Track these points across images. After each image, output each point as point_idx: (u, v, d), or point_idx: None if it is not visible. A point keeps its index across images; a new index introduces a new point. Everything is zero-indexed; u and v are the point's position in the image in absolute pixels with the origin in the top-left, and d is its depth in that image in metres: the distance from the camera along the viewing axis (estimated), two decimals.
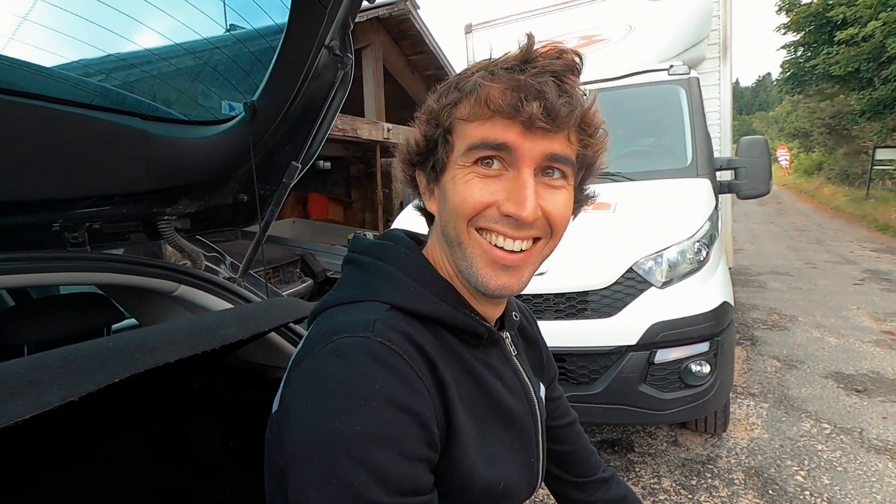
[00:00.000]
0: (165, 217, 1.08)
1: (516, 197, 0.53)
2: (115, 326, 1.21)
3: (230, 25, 1.20)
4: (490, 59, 0.57)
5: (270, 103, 1.04)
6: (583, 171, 0.60)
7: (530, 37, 0.55)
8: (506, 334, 0.67)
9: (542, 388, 0.75)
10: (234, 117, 1.09)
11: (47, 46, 0.97)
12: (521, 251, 0.55)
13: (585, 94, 0.56)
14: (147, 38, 1.10)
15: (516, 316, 0.70)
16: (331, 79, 1.09)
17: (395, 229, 0.67)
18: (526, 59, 0.53)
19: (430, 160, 0.59)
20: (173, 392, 1.03)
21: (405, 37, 8.21)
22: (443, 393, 0.53)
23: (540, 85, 0.51)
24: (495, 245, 0.55)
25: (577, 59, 0.55)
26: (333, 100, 1.12)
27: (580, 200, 0.64)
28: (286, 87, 1.03)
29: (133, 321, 1.39)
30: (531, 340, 0.78)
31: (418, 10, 7.77)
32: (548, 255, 0.60)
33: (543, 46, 0.55)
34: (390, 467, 0.45)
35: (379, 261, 0.61)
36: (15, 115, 0.77)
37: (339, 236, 8.29)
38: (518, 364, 0.67)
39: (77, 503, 1.01)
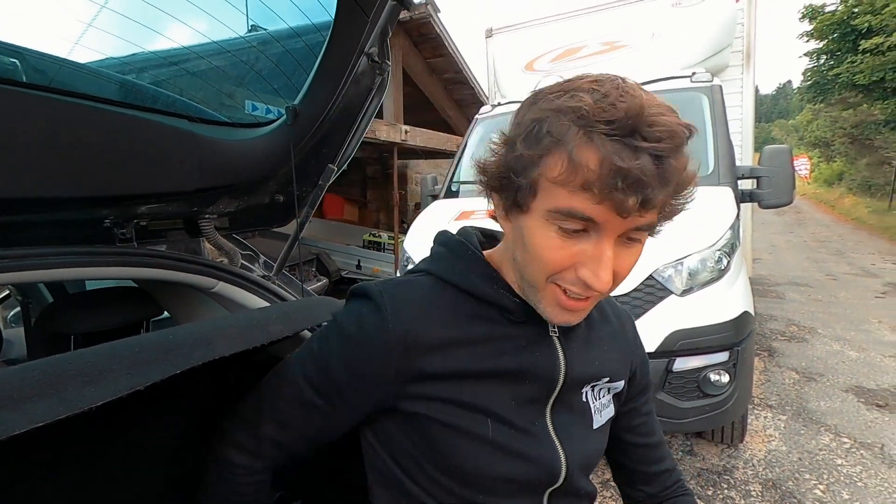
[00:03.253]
0: (207, 216, 1.12)
1: (593, 268, 0.54)
2: (153, 320, 1.25)
3: (252, 26, 1.24)
4: (592, 103, 0.49)
5: (311, 107, 1.08)
6: (663, 220, 0.58)
7: (636, 96, 0.49)
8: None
9: (614, 381, 0.74)
10: (275, 120, 1.12)
11: (97, 47, 1.02)
12: (587, 298, 0.58)
13: (687, 165, 0.53)
14: (191, 39, 1.14)
15: None
16: (368, 84, 1.12)
17: (468, 227, 0.75)
18: (633, 128, 0.48)
19: (509, 195, 0.58)
20: (210, 384, 1.07)
21: (425, 40, 8.26)
22: (421, 346, 0.62)
23: (641, 173, 0.47)
24: (566, 295, 0.58)
25: (686, 134, 0.51)
26: (370, 105, 1.15)
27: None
28: (327, 91, 1.06)
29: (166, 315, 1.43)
30: (602, 332, 0.76)
31: (439, 14, 7.82)
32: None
33: (654, 112, 0.48)
34: (332, 354, 0.65)
35: (440, 246, 0.73)
36: (74, 116, 0.81)
37: (354, 236, 8.35)
38: (557, 343, 0.68)
39: (114, 491, 1.05)
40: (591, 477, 0.75)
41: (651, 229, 0.56)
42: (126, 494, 1.05)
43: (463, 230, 0.73)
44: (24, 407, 0.50)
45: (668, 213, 0.56)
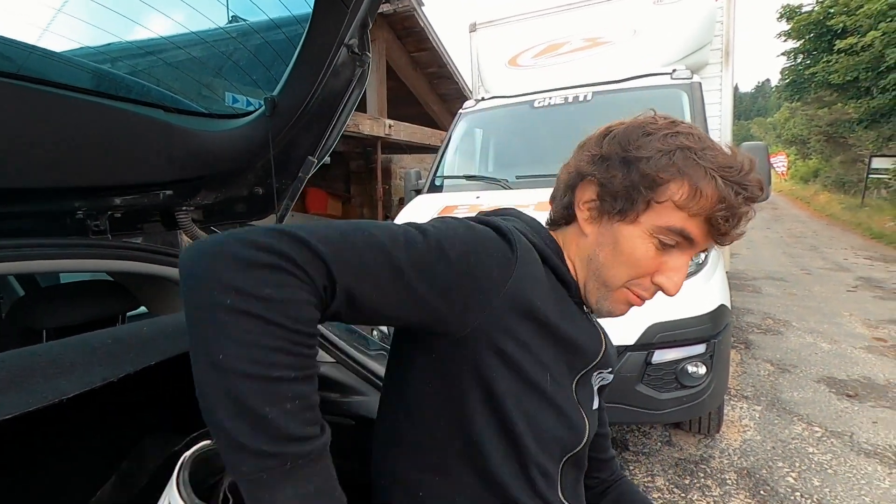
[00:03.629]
0: (184, 208, 1.10)
1: (673, 276, 0.65)
2: (129, 314, 1.23)
3: (232, 17, 1.22)
4: (713, 153, 0.63)
5: (290, 99, 1.06)
6: None
7: (752, 161, 0.64)
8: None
9: (612, 373, 0.82)
10: (253, 112, 1.11)
11: (72, 35, 0.99)
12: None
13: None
14: (170, 29, 1.12)
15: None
16: (348, 76, 1.11)
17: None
18: (741, 178, 0.61)
19: (618, 203, 0.66)
20: (190, 377, 1.06)
21: (409, 33, 8.21)
22: (527, 282, 0.62)
23: (742, 213, 0.62)
24: (637, 295, 0.68)
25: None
26: (350, 97, 1.14)
27: None
28: (306, 83, 1.05)
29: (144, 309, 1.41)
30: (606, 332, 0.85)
31: (423, 7, 7.77)
32: None
33: (749, 168, 0.63)
34: (453, 234, 0.58)
35: (510, 216, 0.74)
36: (42, 103, 0.79)
37: None
38: (597, 326, 0.76)
39: (97, 485, 1.03)
40: None
41: None
42: (107, 489, 1.04)
43: (517, 213, 0.77)
44: None
45: None
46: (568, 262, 0.72)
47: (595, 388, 0.79)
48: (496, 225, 0.64)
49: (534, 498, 0.66)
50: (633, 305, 0.69)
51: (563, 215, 0.74)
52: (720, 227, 0.62)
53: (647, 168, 0.63)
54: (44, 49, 0.88)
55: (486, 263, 0.59)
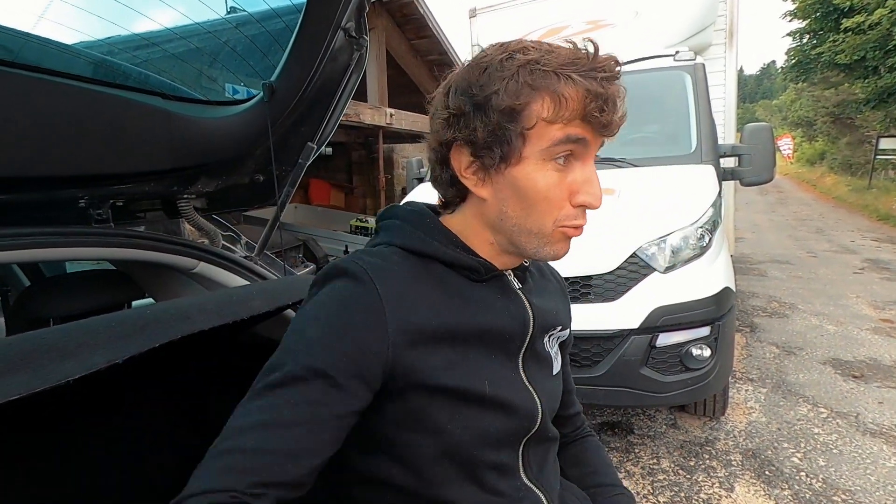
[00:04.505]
0: (185, 196, 1.11)
1: (591, 190, 0.62)
2: (134, 303, 1.24)
3: (231, 7, 1.22)
4: (552, 53, 0.60)
5: (288, 85, 1.06)
6: None
7: (593, 42, 0.61)
8: (508, 272, 0.73)
9: (563, 329, 0.81)
10: (252, 98, 1.10)
11: (72, 24, 0.99)
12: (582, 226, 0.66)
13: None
14: (167, 17, 1.12)
15: (525, 262, 0.77)
16: (346, 60, 1.10)
17: (413, 201, 0.76)
18: (591, 66, 0.59)
19: (497, 150, 0.62)
20: (195, 366, 1.07)
21: (408, 21, 8.14)
22: (412, 310, 0.61)
23: (611, 95, 0.59)
24: (574, 227, 0.65)
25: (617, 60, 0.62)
26: (348, 82, 1.14)
27: None
28: (303, 68, 1.05)
29: (150, 300, 1.42)
30: (547, 287, 0.83)
31: None
32: None
33: (605, 55, 0.61)
34: (312, 342, 0.57)
35: (391, 219, 0.73)
36: (42, 92, 0.79)
37: (341, 222, 8.30)
38: (521, 294, 0.73)
39: (101, 470, 1.05)
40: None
41: None
42: (109, 477, 1.05)
43: (411, 203, 0.75)
44: None
45: None
46: (476, 240, 0.69)
47: (552, 352, 0.78)
48: (343, 270, 0.62)
49: (480, 494, 0.66)
50: (572, 237, 0.66)
51: (454, 193, 0.69)
52: (599, 119, 0.59)
53: (500, 102, 0.59)
54: (40, 37, 0.88)
55: (356, 335, 0.58)
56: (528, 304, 0.72)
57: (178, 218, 1.17)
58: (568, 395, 0.90)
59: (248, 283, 1.13)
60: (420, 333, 0.61)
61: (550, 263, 0.88)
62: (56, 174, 0.79)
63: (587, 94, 0.58)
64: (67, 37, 0.99)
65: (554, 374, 0.77)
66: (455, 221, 0.71)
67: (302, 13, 1.01)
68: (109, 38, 1.09)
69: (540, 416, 0.70)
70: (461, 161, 0.65)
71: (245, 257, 1.24)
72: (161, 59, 1.17)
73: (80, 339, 0.57)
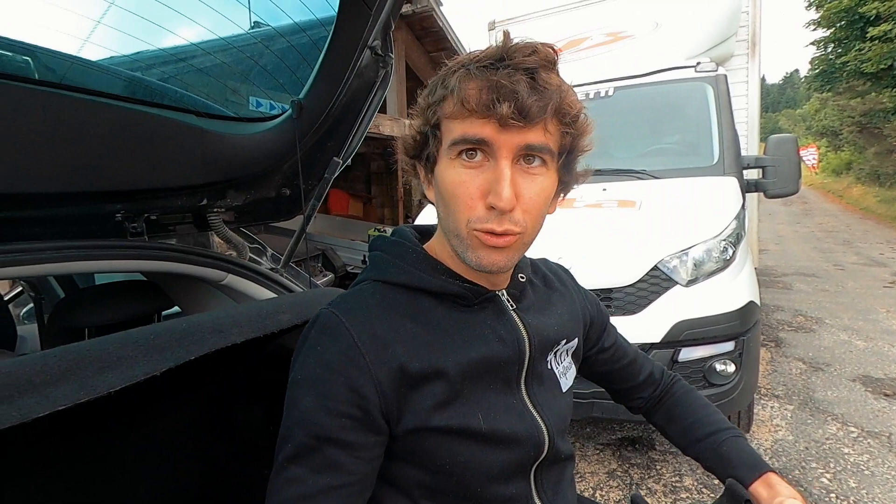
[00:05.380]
0: (215, 209, 1.14)
1: (495, 188, 0.57)
2: (163, 313, 1.27)
3: (254, 23, 1.25)
4: (471, 54, 0.61)
5: (316, 101, 1.09)
6: (564, 155, 0.64)
7: (506, 34, 0.60)
8: (501, 292, 0.70)
9: (570, 341, 0.77)
10: (281, 115, 1.13)
11: (106, 44, 1.03)
12: (507, 234, 0.59)
13: (561, 86, 0.60)
14: (193, 33, 1.16)
15: (522, 278, 0.74)
16: (372, 77, 1.13)
17: (402, 226, 0.75)
18: (501, 55, 0.57)
19: (424, 153, 0.65)
20: (222, 376, 1.09)
21: (427, 34, 8.24)
22: (392, 352, 0.60)
23: (513, 84, 0.55)
24: (486, 232, 0.59)
25: (551, 53, 0.59)
26: (374, 98, 1.16)
27: (566, 181, 0.68)
28: (331, 86, 1.08)
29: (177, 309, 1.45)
30: (551, 298, 0.79)
31: (441, 7, 7.79)
32: (529, 244, 0.65)
33: (519, 43, 0.59)
34: (310, 412, 0.57)
35: (377, 251, 0.72)
36: (87, 112, 0.82)
37: (359, 232, 8.37)
38: (515, 317, 0.70)
39: (127, 479, 1.07)
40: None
41: (546, 154, 0.59)
42: (139, 484, 1.08)
43: (397, 230, 0.74)
44: (45, 391, 0.52)
45: (563, 142, 0.62)
46: (444, 254, 0.68)
47: (558, 370, 0.75)
48: (321, 325, 0.62)
49: None
50: (493, 247, 0.60)
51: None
52: (494, 111, 0.55)
53: (423, 104, 0.63)
54: (83, 59, 0.92)
55: (346, 395, 0.57)
56: (522, 327, 0.69)
57: (207, 231, 1.20)
58: (629, 367, 0.87)
59: (274, 295, 1.15)
60: (403, 374, 0.60)
61: (562, 266, 0.87)
62: (97, 189, 0.82)
63: (484, 87, 0.56)
64: (103, 54, 1.04)
65: (564, 391, 0.74)
66: (434, 244, 0.70)
67: (330, 33, 1.03)
68: (143, 54, 1.13)
69: (547, 441, 0.68)
70: (420, 172, 0.68)
71: (271, 269, 1.26)
72: (192, 77, 1.21)
73: (120, 352, 0.59)
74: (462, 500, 0.64)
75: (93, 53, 0.99)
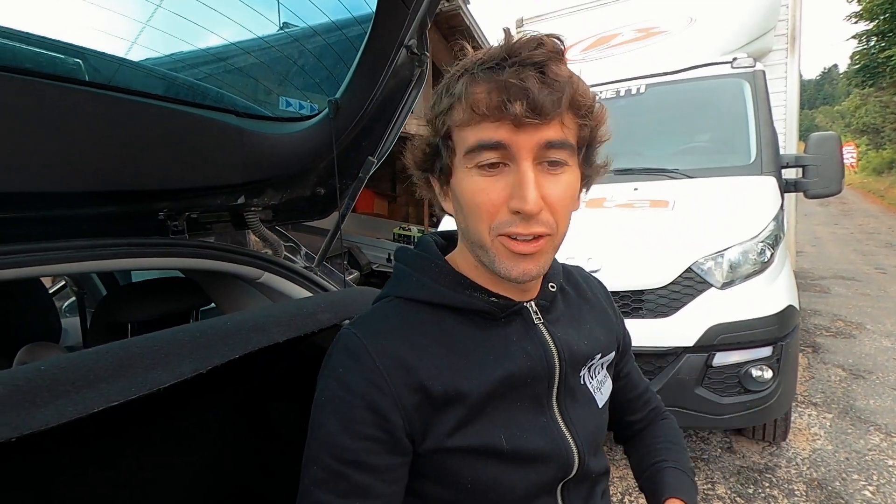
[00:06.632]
0: (252, 208, 1.15)
1: (520, 193, 0.54)
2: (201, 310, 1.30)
3: (283, 24, 1.26)
4: (473, 56, 0.58)
5: (352, 101, 1.09)
6: (584, 148, 0.62)
7: (507, 31, 0.58)
8: (529, 304, 0.67)
9: (605, 355, 0.74)
10: (317, 114, 1.14)
11: (150, 45, 1.05)
12: (535, 238, 0.57)
13: (572, 77, 0.57)
14: (231, 33, 1.17)
15: (552, 287, 0.70)
16: (408, 76, 1.13)
17: (427, 235, 0.73)
18: (506, 54, 0.55)
19: (436, 165, 0.63)
20: (259, 373, 1.11)
21: (455, 32, 8.22)
22: (413, 374, 0.59)
23: (522, 81, 0.52)
24: (513, 239, 0.57)
25: (558, 44, 0.56)
26: (409, 97, 1.16)
27: (589, 174, 0.65)
28: (367, 85, 1.08)
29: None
30: (583, 309, 0.76)
31: (468, 6, 7.76)
32: (559, 245, 0.62)
33: (523, 38, 0.56)
34: (334, 435, 0.56)
35: (400, 263, 0.70)
36: (133, 112, 0.84)
37: (384, 230, 8.43)
38: (544, 330, 0.67)
39: (166, 472, 1.09)
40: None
41: (567, 149, 0.57)
42: (177, 477, 1.10)
43: (422, 240, 0.71)
44: (99, 386, 0.54)
45: (583, 136, 0.60)
46: (466, 266, 0.66)
47: (592, 384, 0.72)
48: (342, 347, 0.61)
49: None
50: (521, 255, 0.57)
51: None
52: (506, 113, 0.52)
53: (433, 114, 0.60)
54: (129, 60, 0.94)
55: (369, 417, 0.57)
56: (551, 341, 0.66)
57: (244, 229, 1.22)
58: (636, 398, 0.85)
59: (309, 293, 1.16)
60: (426, 396, 0.58)
61: (593, 276, 0.84)
62: (146, 188, 0.84)
63: (492, 89, 0.53)
64: (145, 54, 1.06)
65: (600, 406, 0.72)
66: (457, 254, 0.68)
67: (368, 31, 1.04)
68: (183, 54, 1.15)
69: (577, 460, 0.66)
70: (435, 184, 0.66)
71: (305, 267, 1.28)
72: (230, 77, 1.22)
73: (167, 349, 0.60)
74: None
75: (136, 54, 1.01)
